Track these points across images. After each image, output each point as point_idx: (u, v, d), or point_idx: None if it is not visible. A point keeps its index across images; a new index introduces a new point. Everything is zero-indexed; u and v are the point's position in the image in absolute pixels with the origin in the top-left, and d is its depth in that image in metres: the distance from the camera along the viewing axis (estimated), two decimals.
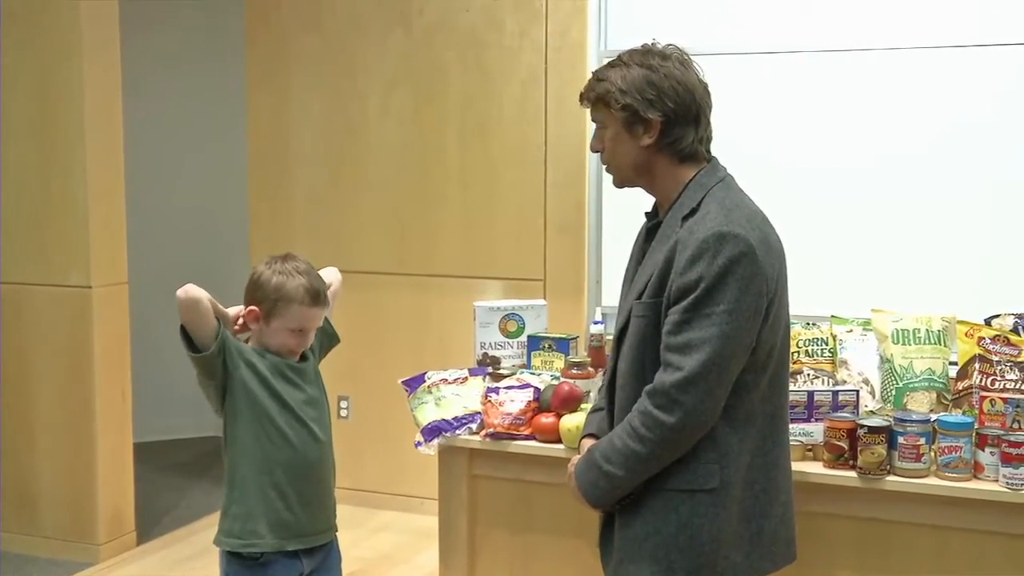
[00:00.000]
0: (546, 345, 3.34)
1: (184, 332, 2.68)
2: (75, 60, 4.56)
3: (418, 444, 3.05)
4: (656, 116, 2.26)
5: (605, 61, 2.40)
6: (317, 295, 2.75)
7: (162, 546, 4.92)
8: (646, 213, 2.44)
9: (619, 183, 2.39)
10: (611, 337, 3.36)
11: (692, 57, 2.34)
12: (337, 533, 2.94)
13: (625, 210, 4.77)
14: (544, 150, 4.88)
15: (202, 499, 5.55)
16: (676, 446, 2.20)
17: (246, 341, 2.82)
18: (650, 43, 2.34)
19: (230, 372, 2.73)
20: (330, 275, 2.98)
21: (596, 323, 3.43)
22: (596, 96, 2.33)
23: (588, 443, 2.45)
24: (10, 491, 4.85)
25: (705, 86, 2.32)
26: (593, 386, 3.00)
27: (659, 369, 2.21)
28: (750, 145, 4.48)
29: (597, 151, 2.39)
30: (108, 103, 4.68)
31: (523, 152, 4.93)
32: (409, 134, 5.13)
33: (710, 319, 2.14)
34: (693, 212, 2.25)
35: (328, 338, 2.98)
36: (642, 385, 2.24)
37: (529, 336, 3.41)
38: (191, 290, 2.65)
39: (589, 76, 2.39)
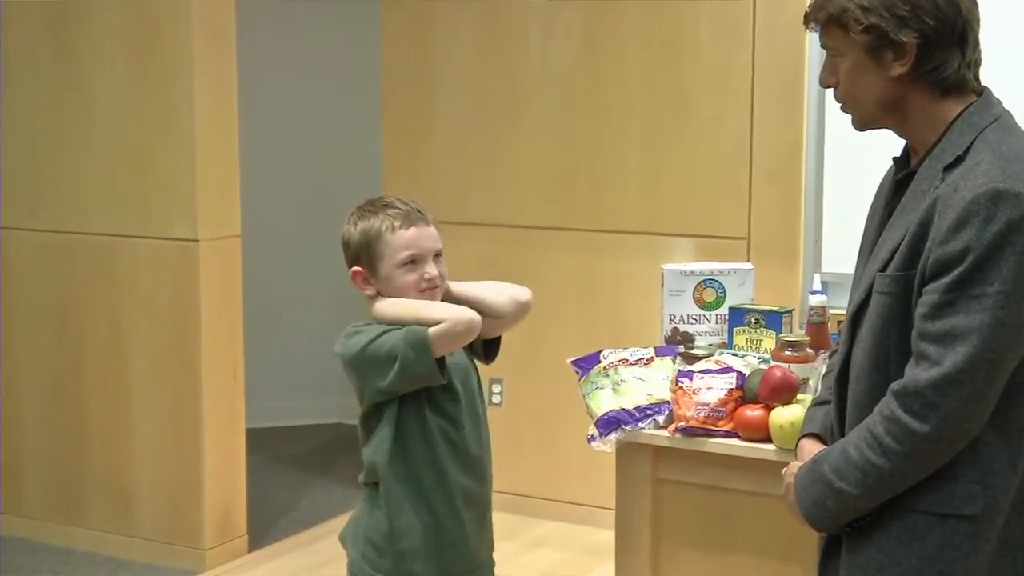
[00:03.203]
0: (752, 319, 3.32)
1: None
2: None
3: (591, 439, 3.06)
4: (911, 38, 2.20)
5: None
6: (408, 215, 2.81)
7: (278, 553, 5.07)
8: (895, 159, 2.38)
9: (861, 124, 2.34)
10: (836, 311, 3.34)
11: None
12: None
13: (856, 152, 4.66)
14: (751, 76, 4.81)
15: (323, 499, 5.69)
16: (929, 461, 2.16)
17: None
18: None
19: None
20: (501, 291, 2.94)
21: (815, 293, 3.39)
22: (829, 16, 2.28)
23: (810, 446, 2.42)
24: (102, 484, 5.05)
25: None
26: (812, 372, 2.97)
27: (909, 362, 2.17)
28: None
29: (829, 86, 2.34)
30: (219, 25, 4.80)
31: (724, 79, 4.87)
32: (579, 57, 5.12)
33: (979, 302, 2.09)
34: (959, 161, 2.18)
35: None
36: (884, 379, 2.20)
37: (731, 308, 3.39)
38: (477, 321, 2.76)
39: None
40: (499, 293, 2.90)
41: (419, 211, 2.83)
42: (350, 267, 2.84)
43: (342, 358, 2.80)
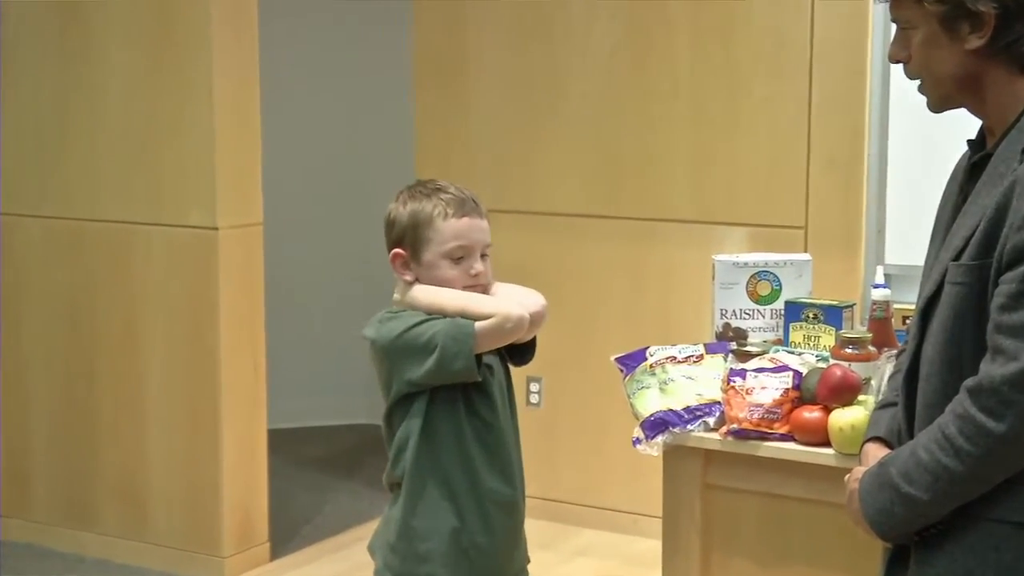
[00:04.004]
0: (810, 315, 3.30)
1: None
2: None
3: (636, 441, 3.06)
4: (989, 8, 2.19)
5: None
6: (463, 202, 2.82)
7: (301, 561, 5.09)
8: (969, 142, 2.37)
9: (937, 104, 2.34)
10: (900, 306, 3.32)
11: None
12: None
13: (923, 135, 4.62)
14: (809, 55, 4.79)
15: (350, 504, 5.71)
16: (1005, 463, 2.14)
17: None
18: None
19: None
20: (529, 294, 2.94)
21: (878, 286, 3.38)
22: None
23: (875, 450, 2.40)
24: (115, 486, 5.08)
25: None
26: (874, 371, 2.95)
27: (984, 357, 2.15)
28: None
29: (899, 61, 2.33)
30: (239, 2, 4.80)
31: (779, 58, 4.85)
32: (623, 35, 5.11)
33: None
34: None
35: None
36: (958, 377, 2.18)
37: (787, 302, 3.37)
38: (526, 319, 2.78)
39: None
40: (517, 304, 2.86)
41: (474, 200, 2.85)
42: (391, 249, 2.86)
43: (374, 343, 2.81)
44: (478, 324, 2.72)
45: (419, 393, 2.80)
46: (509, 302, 2.80)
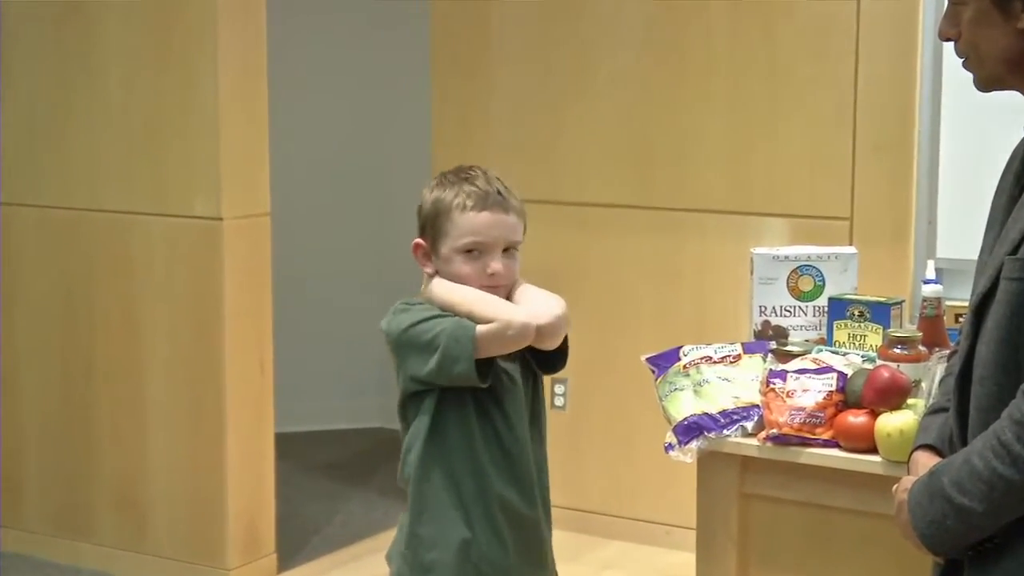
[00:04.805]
0: (855, 312, 3.30)
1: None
2: None
3: (668, 447, 3.06)
4: None
5: None
6: (485, 196, 2.80)
7: (310, 574, 5.09)
8: None
9: (984, 84, 2.33)
10: (952, 303, 3.31)
11: None
12: None
13: (978, 121, 4.60)
14: (855, 33, 4.78)
15: (362, 512, 5.72)
16: None
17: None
18: None
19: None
20: (546, 303, 2.90)
21: (928, 282, 3.38)
22: None
23: (925, 459, 2.40)
24: (113, 494, 5.09)
25: None
26: (924, 373, 2.96)
27: None
28: None
29: (949, 39, 2.33)
30: None
31: (823, 37, 4.85)
32: (656, 12, 5.11)
33: None
34: None
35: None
36: (1014, 380, 2.18)
37: (831, 299, 3.38)
38: (531, 328, 2.74)
39: None
40: (527, 311, 2.82)
41: (499, 193, 2.82)
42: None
43: (386, 335, 2.81)
44: (479, 328, 2.71)
45: (429, 390, 2.80)
46: (517, 308, 2.78)
